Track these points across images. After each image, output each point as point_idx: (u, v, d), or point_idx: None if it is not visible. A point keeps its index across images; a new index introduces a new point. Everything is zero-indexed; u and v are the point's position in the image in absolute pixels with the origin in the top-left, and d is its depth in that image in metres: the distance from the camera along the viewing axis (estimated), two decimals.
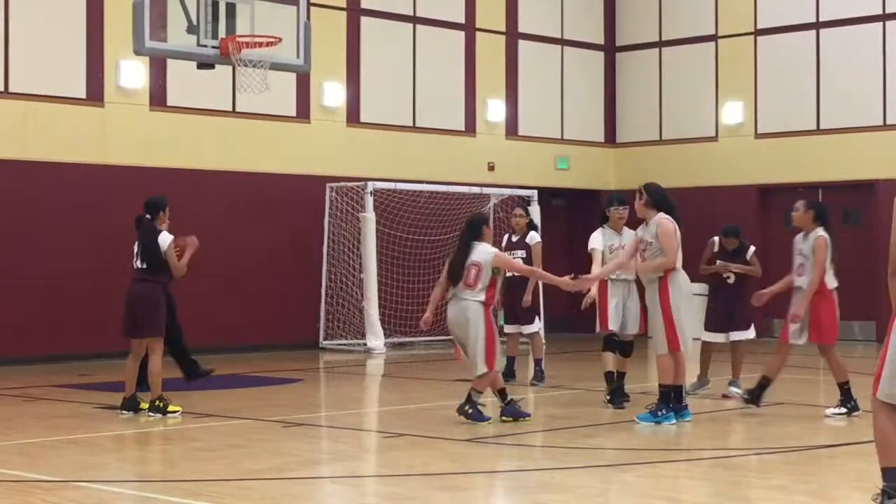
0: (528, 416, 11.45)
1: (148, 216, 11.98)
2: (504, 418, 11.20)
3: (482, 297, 11.15)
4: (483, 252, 11.25)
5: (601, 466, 9.16)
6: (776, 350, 12.09)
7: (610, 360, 12.50)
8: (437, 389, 14.88)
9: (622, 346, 12.56)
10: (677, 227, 11.13)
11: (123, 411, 11.89)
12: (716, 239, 13.53)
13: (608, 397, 12.38)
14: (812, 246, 11.61)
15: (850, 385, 11.56)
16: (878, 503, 6.65)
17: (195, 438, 10.70)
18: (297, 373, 16.53)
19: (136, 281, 11.95)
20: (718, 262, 13.42)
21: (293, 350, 19.35)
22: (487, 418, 11.19)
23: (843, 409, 11.52)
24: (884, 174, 21.10)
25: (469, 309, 11.10)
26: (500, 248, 14.97)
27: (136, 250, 11.96)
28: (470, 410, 11.16)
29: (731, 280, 13.33)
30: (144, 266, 11.86)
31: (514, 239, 14.81)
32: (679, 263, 11.14)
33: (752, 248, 13.45)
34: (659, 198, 11.25)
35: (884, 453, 6.60)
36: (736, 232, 13.53)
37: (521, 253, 14.62)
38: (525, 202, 21.94)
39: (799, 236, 11.89)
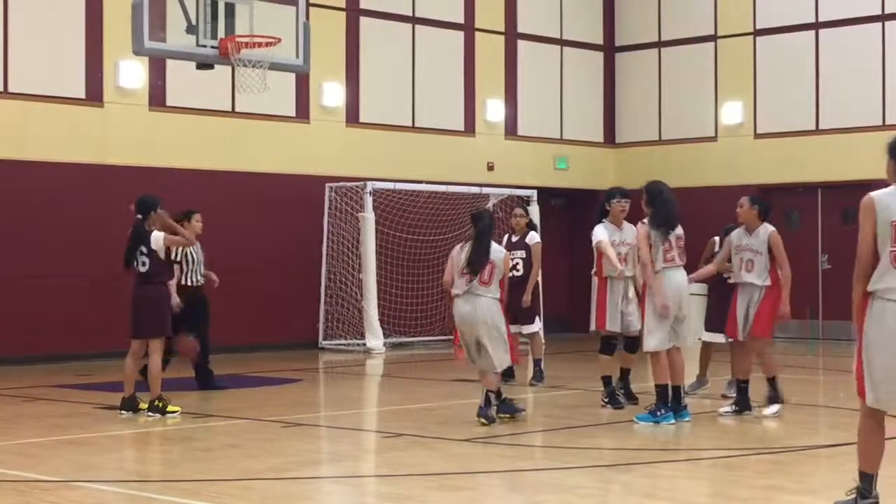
0: (524, 410, 11.45)
1: (139, 216, 11.95)
2: (500, 415, 11.20)
3: (497, 293, 11.20)
4: (496, 251, 11.32)
5: (601, 466, 9.16)
6: (737, 351, 12.17)
7: (607, 364, 12.45)
8: (436, 389, 14.89)
9: (628, 341, 12.46)
10: (650, 230, 11.11)
11: (123, 411, 11.89)
12: (716, 239, 13.54)
13: (606, 399, 12.37)
14: (767, 241, 11.70)
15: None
16: (851, 498, 6.73)
17: (195, 438, 10.71)
18: (297, 373, 16.53)
19: (137, 284, 11.94)
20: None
21: (293, 350, 19.35)
22: (522, 409, 11.42)
23: (778, 405, 11.59)
24: (883, 174, 21.07)
25: (486, 306, 11.12)
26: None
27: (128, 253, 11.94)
28: (499, 406, 11.19)
29: (731, 279, 13.33)
30: (142, 269, 11.84)
31: (514, 239, 14.80)
32: (661, 263, 11.14)
33: None
34: (652, 196, 11.31)
35: (864, 458, 6.67)
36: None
37: (521, 253, 14.62)
38: (525, 202, 21.99)
39: (739, 232, 11.92)
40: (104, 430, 11.11)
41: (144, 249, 11.80)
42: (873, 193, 6.67)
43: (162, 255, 11.82)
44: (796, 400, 12.90)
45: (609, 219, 12.40)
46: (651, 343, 11.09)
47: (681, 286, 11.28)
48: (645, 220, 11.26)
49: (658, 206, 11.21)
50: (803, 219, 22.15)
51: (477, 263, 11.14)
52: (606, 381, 12.42)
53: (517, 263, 14.57)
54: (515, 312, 14.63)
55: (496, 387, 11.28)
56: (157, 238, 11.81)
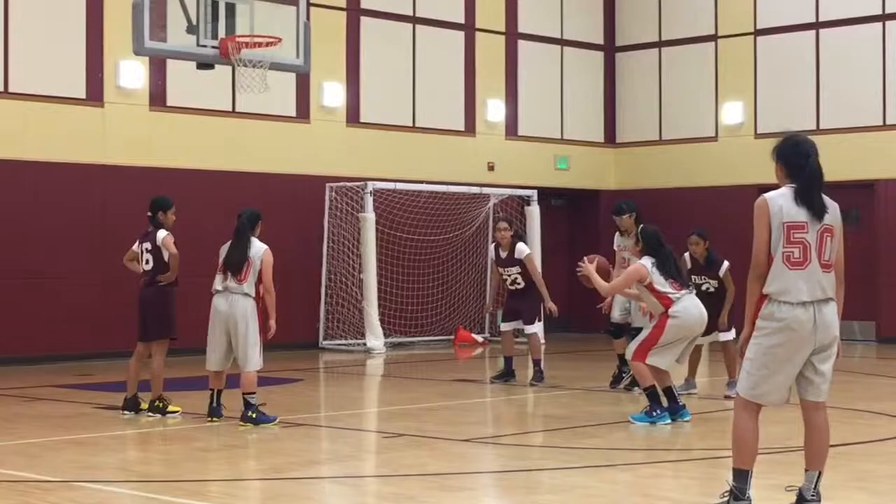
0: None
1: (150, 214, 11.99)
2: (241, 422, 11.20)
3: (252, 291, 11.39)
4: (256, 249, 11.48)
5: (601, 466, 9.16)
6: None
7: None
8: (436, 389, 14.89)
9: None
10: (648, 268, 11.22)
11: (125, 412, 11.88)
12: (686, 255, 13.24)
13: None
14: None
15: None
16: (724, 501, 6.90)
17: (195, 438, 10.71)
18: (297, 373, 16.54)
19: (143, 285, 11.94)
20: (693, 277, 13.15)
21: (293, 350, 19.33)
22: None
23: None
24: (884, 174, 21.10)
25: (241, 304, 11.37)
26: (491, 262, 15.08)
27: (140, 252, 11.94)
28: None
29: (711, 290, 13.10)
30: (146, 267, 11.85)
31: (503, 255, 14.55)
32: (674, 294, 11.24)
33: (726, 264, 13.15)
34: (652, 246, 11.42)
35: (738, 454, 6.86)
36: (701, 234, 13.28)
37: (516, 269, 14.47)
38: (525, 202, 22.01)
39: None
40: (105, 430, 11.12)
41: (149, 247, 11.83)
42: (766, 195, 6.93)
43: (164, 254, 11.80)
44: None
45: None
46: (656, 360, 11.14)
47: (703, 314, 11.38)
48: (644, 262, 11.27)
49: (663, 255, 11.31)
50: None
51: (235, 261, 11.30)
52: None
53: (515, 279, 14.54)
54: (518, 314, 14.61)
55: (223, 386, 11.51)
56: (161, 236, 11.81)
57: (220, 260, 11.45)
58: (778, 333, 6.76)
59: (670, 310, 11.11)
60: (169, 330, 11.90)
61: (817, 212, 6.91)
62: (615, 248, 14.02)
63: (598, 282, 11.42)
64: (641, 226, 11.78)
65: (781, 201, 6.88)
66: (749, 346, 6.86)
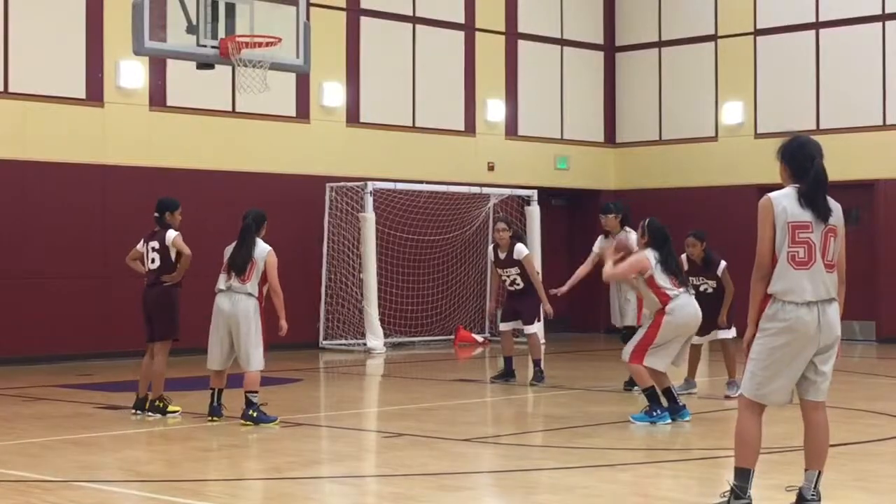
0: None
1: (156, 214, 11.99)
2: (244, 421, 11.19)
3: (255, 291, 11.51)
4: (260, 250, 11.54)
5: (601, 466, 9.16)
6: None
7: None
8: (436, 389, 14.90)
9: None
10: (651, 262, 11.20)
11: (136, 411, 11.86)
12: (683, 257, 13.22)
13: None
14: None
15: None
16: (725, 500, 6.94)
17: (195, 438, 10.71)
18: (297, 373, 16.54)
19: (148, 286, 11.93)
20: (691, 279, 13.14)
21: (293, 350, 19.33)
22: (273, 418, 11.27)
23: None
24: (884, 174, 21.10)
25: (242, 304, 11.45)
26: (491, 263, 15.05)
27: (145, 251, 11.92)
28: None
29: (710, 290, 13.10)
30: (152, 266, 11.83)
31: (502, 256, 14.57)
32: (674, 290, 11.22)
33: (723, 264, 13.15)
34: (658, 240, 11.37)
35: (741, 453, 6.92)
36: (698, 235, 13.28)
37: (515, 269, 14.49)
38: (524, 202, 22.02)
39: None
40: (105, 430, 11.12)
41: (156, 246, 11.82)
42: (771, 195, 6.98)
43: (172, 254, 11.79)
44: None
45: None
46: (652, 362, 11.15)
47: (698, 312, 11.40)
48: (648, 255, 11.26)
49: (666, 250, 11.29)
50: None
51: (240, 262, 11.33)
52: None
53: (514, 279, 14.55)
54: (517, 314, 14.62)
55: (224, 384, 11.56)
56: (171, 236, 11.79)
57: (225, 260, 11.48)
58: (782, 334, 6.79)
59: (667, 307, 11.13)
60: (172, 331, 11.90)
61: (822, 213, 6.94)
62: (595, 249, 13.92)
63: (607, 265, 11.48)
64: (648, 219, 11.65)
65: (786, 202, 6.91)
66: (753, 347, 6.89)
